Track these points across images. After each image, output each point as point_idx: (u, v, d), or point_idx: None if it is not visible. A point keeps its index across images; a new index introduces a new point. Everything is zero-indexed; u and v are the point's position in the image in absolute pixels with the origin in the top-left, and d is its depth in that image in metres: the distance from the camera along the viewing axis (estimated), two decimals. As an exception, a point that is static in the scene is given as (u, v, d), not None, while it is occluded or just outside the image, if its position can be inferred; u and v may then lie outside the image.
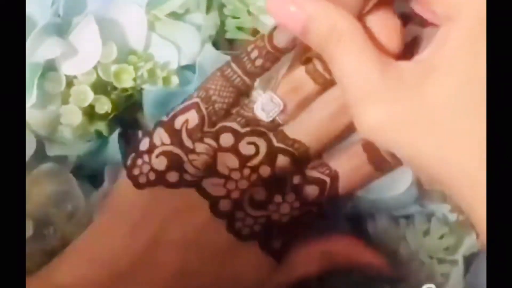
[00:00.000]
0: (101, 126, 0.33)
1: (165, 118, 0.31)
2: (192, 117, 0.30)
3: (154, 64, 0.33)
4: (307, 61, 0.30)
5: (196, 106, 0.30)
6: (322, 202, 0.30)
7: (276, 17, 0.27)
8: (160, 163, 0.29)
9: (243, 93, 0.31)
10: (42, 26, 0.31)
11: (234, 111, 0.31)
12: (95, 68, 0.32)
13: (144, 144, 0.30)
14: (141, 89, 0.33)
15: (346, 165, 0.30)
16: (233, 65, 0.31)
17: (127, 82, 0.32)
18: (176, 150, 0.30)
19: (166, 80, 0.33)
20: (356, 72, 0.25)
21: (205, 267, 0.28)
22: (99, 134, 0.33)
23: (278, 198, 0.29)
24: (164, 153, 0.30)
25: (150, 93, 0.32)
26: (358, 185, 0.31)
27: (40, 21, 0.32)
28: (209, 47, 0.33)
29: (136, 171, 0.30)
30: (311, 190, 0.30)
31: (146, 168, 0.30)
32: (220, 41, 0.34)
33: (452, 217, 0.32)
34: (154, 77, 0.33)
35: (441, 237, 0.31)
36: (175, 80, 0.33)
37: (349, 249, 0.30)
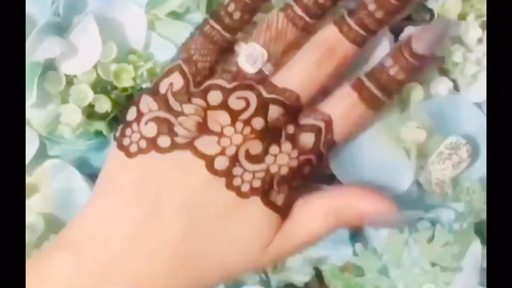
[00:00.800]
0: (101, 125, 0.33)
1: (149, 86, 0.30)
2: (176, 80, 0.30)
3: (154, 64, 0.33)
4: (285, 7, 0.30)
5: (178, 68, 0.30)
6: (320, 149, 0.29)
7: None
8: (150, 130, 0.29)
9: (224, 50, 0.30)
10: (42, 25, 0.31)
11: (218, 68, 0.30)
12: (95, 67, 0.32)
13: (131, 114, 0.30)
14: (141, 88, 0.33)
15: (338, 107, 0.30)
16: (212, 22, 0.30)
17: (127, 81, 0.32)
18: (165, 115, 0.29)
19: (166, 79, 0.33)
20: None
21: (209, 229, 0.28)
22: (99, 133, 0.33)
23: (274, 149, 0.29)
24: (152, 119, 0.29)
25: (150, 92, 0.32)
26: (353, 127, 0.30)
27: (40, 20, 0.32)
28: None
29: (126, 141, 0.29)
30: (307, 138, 0.29)
31: (136, 137, 0.29)
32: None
33: (456, 225, 0.32)
34: (154, 76, 0.32)
35: (445, 244, 0.31)
36: (175, 79, 0.33)
37: (356, 200, 0.29)
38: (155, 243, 0.28)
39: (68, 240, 0.29)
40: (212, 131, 0.29)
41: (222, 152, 0.28)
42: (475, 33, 0.31)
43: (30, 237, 0.31)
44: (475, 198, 0.32)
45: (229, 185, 0.28)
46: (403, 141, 0.32)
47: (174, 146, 0.29)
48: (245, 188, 0.28)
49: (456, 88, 0.33)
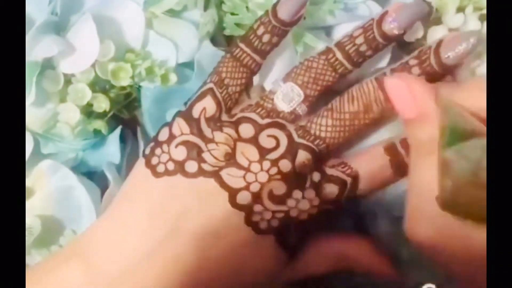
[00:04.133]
0: (100, 124, 0.33)
1: (183, 108, 0.31)
2: (209, 104, 0.30)
3: (152, 62, 0.33)
4: (327, 51, 0.30)
5: (211, 91, 0.30)
6: (341, 202, 0.30)
7: (391, 94, 0.28)
8: (179, 153, 0.29)
9: (254, 73, 0.31)
10: (40, 24, 0.31)
11: (254, 102, 0.31)
12: (93, 66, 0.32)
13: (163, 134, 0.30)
14: (139, 87, 0.33)
15: (368, 166, 0.30)
16: (241, 45, 0.31)
17: (125, 80, 0.32)
18: (195, 140, 0.29)
19: (164, 77, 0.33)
20: (427, 188, 0.26)
21: (221, 259, 0.28)
22: (97, 132, 0.33)
23: (297, 194, 0.29)
24: (183, 143, 0.29)
25: (148, 91, 0.32)
26: (376, 187, 0.30)
27: (38, 19, 0.31)
28: (207, 44, 0.33)
29: (154, 161, 0.29)
30: (331, 189, 0.29)
31: (164, 158, 0.29)
32: (218, 38, 0.34)
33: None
34: (152, 75, 0.32)
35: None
36: (173, 77, 0.33)
37: (365, 254, 0.30)
38: (168, 264, 0.28)
39: (81, 249, 0.29)
40: (240, 165, 0.29)
41: (246, 187, 0.28)
42: (473, 25, 0.31)
43: (27, 239, 0.31)
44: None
45: (248, 221, 0.28)
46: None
47: (200, 172, 0.29)
48: (263, 225, 0.28)
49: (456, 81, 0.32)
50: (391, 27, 0.29)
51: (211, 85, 0.31)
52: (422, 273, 0.31)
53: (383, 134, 0.31)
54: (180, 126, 0.30)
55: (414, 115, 0.27)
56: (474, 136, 0.26)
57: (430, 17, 0.31)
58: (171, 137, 0.30)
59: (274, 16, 0.30)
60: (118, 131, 0.33)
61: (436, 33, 0.32)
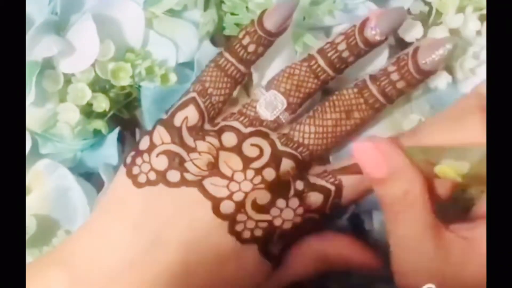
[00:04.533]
0: (99, 124, 0.33)
1: (164, 116, 0.31)
2: (191, 113, 0.30)
3: (152, 62, 0.33)
4: (309, 58, 0.30)
5: (193, 101, 0.30)
6: (325, 211, 0.29)
7: (359, 158, 0.28)
8: (161, 163, 0.29)
9: (239, 83, 0.31)
10: (40, 24, 0.31)
11: (236, 110, 0.30)
12: (92, 66, 0.32)
13: (144, 143, 0.30)
14: (139, 86, 0.33)
15: (350, 176, 0.30)
16: (226, 55, 0.31)
17: (124, 80, 0.32)
18: (177, 149, 0.29)
19: (164, 77, 0.33)
20: (413, 241, 0.27)
21: (204, 268, 0.28)
22: (97, 132, 0.33)
23: (281, 203, 0.29)
24: (164, 152, 0.29)
25: (148, 90, 0.32)
26: (361, 194, 0.30)
27: (38, 19, 0.31)
28: (207, 44, 0.33)
29: (135, 170, 0.29)
30: (315, 198, 0.29)
31: (146, 168, 0.29)
32: (218, 38, 0.34)
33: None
34: (152, 74, 0.32)
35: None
36: (173, 77, 0.33)
37: (345, 249, 0.30)
38: (150, 274, 0.28)
39: (65, 257, 0.29)
40: (223, 174, 0.29)
41: (230, 197, 0.28)
42: (473, 26, 0.31)
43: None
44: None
45: (231, 230, 0.28)
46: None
47: (183, 182, 0.29)
48: (246, 235, 0.28)
49: (454, 81, 0.33)
50: (373, 33, 0.29)
51: (194, 94, 0.30)
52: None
53: (380, 127, 0.32)
54: (161, 135, 0.30)
55: (385, 174, 0.27)
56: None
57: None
58: (152, 146, 0.30)
59: (260, 26, 0.30)
60: (116, 132, 0.33)
61: (436, 33, 0.32)
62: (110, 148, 0.33)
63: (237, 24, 0.33)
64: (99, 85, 0.33)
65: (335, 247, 0.30)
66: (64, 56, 0.32)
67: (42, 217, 0.32)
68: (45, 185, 0.32)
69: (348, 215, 0.32)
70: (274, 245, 0.29)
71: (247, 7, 0.33)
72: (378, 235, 0.32)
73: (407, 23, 0.31)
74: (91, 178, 0.33)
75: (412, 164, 0.27)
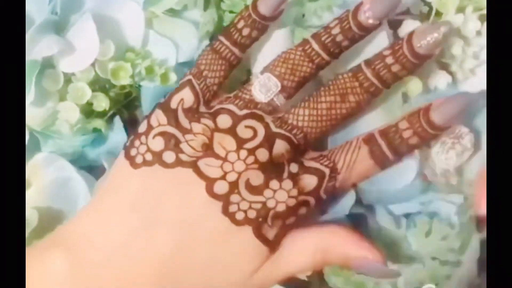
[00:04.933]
0: (99, 123, 0.33)
1: (162, 100, 0.31)
2: (186, 95, 0.30)
3: (152, 61, 0.33)
4: (304, 42, 0.31)
5: (189, 83, 0.31)
6: (320, 194, 0.29)
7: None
8: (157, 144, 0.29)
9: (233, 66, 0.31)
10: (40, 23, 0.31)
11: (232, 94, 0.31)
12: (92, 65, 0.32)
13: (142, 126, 0.30)
14: (139, 86, 0.33)
15: (347, 157, 0.30)
16: (222, 38, 0.31)
17: (124, 79, 0.32)
18: (173, 130, 0.29)
19: (164, 77, 0.33)
20: None
21: (198, 249, 0.28)
22: (97, 131, 0.33)
23: (274, 184, 0.29)
24: (160, 134, 0.30)
25: (148, 90, 0.32)
26: (356, 179, 0.30)
27: (38, 18, 0.32)
28: (207, 43, 0.33)
29: (133, 152, 0.30)
30: (309, 180, 0.29)
31: (143, 149, 0.29)
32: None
33: (456, 218, 0.32)
34: (152, 74, 0.33)
35: (444, 238, 0.31)
36: (173, 77, 0.33)
37: (344, 242, 0.29)
38: (146, 253, 0.28)
39: (64, 238, 0.29)
40: (217, 154, 0.29)
41: (223, 177, 0.28)
42: (473, 26, 0.31)
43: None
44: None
45: (225, 211, 0.28)
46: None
47: (178, 162, 0.29)
48: (240, 216, 0.28)
49: (454, 81, 0.32)
50: (366, 16, 0.30)
51: (189, 76, 0.31)
52: (422, 269, 0.31)
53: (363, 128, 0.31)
54: (158, 117, 0.30)
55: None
56: None
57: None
58: (149, 128, 0.30)
59: (254, 10, 0.31)
60: (118, 120, 0.33)
61: (435, 33, 0.32)
62: (118, 135, 0.33)
63: (236, 22, 0.33)
64: (99, 85, 0.33)
65: (335, 239, 0.30)
66: (64, 56, 0.32)
67: (44, 209, 0.32)
68: (44, 178, 0.32)
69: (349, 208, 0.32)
70: (269, 228, 0.29)
71: (245, 5, 0.32)
72: (382, 231, 0.32)
73: (407, 23, 0.31)
74: (93, 171, 0.33)
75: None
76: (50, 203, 0.32)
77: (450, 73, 0.32)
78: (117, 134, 0.33)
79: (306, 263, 0.29)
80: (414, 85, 0.31)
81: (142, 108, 0.33)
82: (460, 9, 0.32)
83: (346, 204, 0.31)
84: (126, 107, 0.34)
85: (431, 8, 0.32)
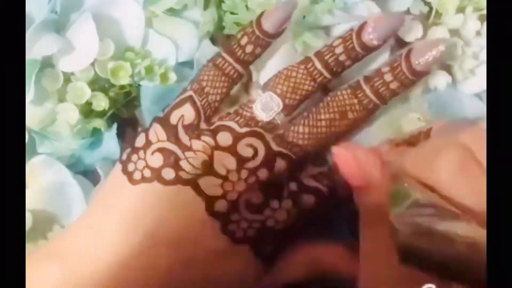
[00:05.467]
0: (99, 123, 0.33)
1: (161, 114, 0.31)
2: (187, 111, 0.30)
3: (152, 61, 0.33)
4: (306, 60, 0.30)
5: (190, 99, 0.30)
6: (319, 212, 0.30)
7: (341, 165, 0.29)
8: (156, 160, 0.29)
9: (235, 83, 0.31)
10: (39, 22, 0.31)
11: (232, 110, 0.31)
12: (92, 64, 0.32)
13: (140, 140, 0.30)
14: (139, 86, 0.33)
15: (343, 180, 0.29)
16: (224, 55, 0.31)
17: (124, 79, 0.32)
18: (172, 147, 0.29)
19: (163, 76, 0.33)
20: (381, 255, 0.27)
21: (196, 267, 0.28)
22: (96, 131, 0.33)
23: (274, 204, 0.29)
24: (159, 150, 0.29)
25: (148, 90, 0.32)
26: (355, 193, 0.30)
27: (37, 17, 0.31)
28: (207, 43, 0.33)
29: (131, 167, 0.29)
30: (309, 199, 0.29)
31: (141, 165, 0.29)
32: (218, 37, 0.34)
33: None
34: (152, 73, 0.32)
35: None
36: (172, 76, 0.33)
37: (338, 259, 0.30)
38: (142, 272, 0.28)
39: (58, 250, 0.29)
40: (217, 173, 0.29)
41: (223, 196, 0.28)
42: (473, 26, 0.31)
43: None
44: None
45: (224, 229, 0.28)
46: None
47: (177, 180, 0.29)
48: (239, 234, 0.28)
49: (454, 82, 0.33)
50: (370, 38, 0.30)
51: (190, 92, 0.30)
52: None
53: (379, 125, 0.32)
54: (157, 133, 0.30)
55: (361, 183, 0.28)
56: (416, 203, 0.26)
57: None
58: (148, 143, 0.30)
59: (259, 27, 0.30)
60: (114, 128, 0.33)
61: (435, 34, 0.32)
62: (110, 143, 0.33)
63: (237, 23, 0.33)
64: (98, 84, 0.33)
65: (329, 255, 0.30)
66: (63, 55, 0.32)
67: (38, 212, 0.32)
68: (41, 180, 0.32)
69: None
70: (266, 245, 0.29)
71: (246, 6, 0.32)
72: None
73: (406, 23, 0.31)
74: (88, 176, 0.33)
75: (388, 178, 0.27)
76: (44, 206, 0.32)
77: (450, 73, 0.32)
78: (112, 140, 0.33)
79: (300, 274, 0.30)
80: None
81: (141, 107, 0.33)
82: (460, 9, 0.32)
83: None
84: (125, 107, 0.34)
85: (431, 8, 0.32)
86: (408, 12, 0.32)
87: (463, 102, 0.32)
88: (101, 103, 0.32)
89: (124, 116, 0.34)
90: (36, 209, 0.32)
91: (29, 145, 0.32)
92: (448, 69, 0.32)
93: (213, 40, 0.33)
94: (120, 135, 0.33)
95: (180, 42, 0.33)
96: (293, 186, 0.29)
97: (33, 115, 0.32)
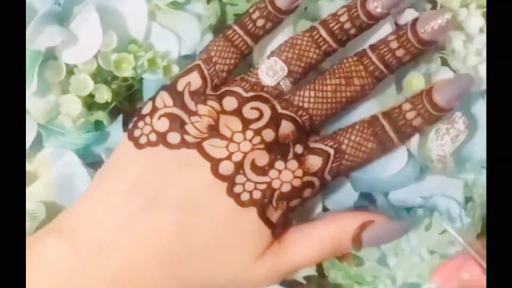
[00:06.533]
0: (102, 115, 0.33)
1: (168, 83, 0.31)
2: (194, 79, 0.30)
3: (155, 54, 0.33)
4: (311, 29, 0.31)
5: (198, 67, 0.31)
6: (325, 175, 0.30)
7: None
8: (162, 125, 0.29)
9: (245, 56, 0.31)
10: (43, 14, 0.31)
11: (238, 77, 0.31)
12: (95, 57, 0.32)
13: (146, 107, 0.30)
14: (142, 78, 0.33)
15: (351, 139, 0.30)
16: (235, 27, 0.31)
17: (127, 71, 0.32)
18: (178, 112, 0.30)
19: (166, 69, 0.33)
20: None
21: (202, 230, 0.28)
22: (99, 123, 0.33)
23: (280, 165, 0.29)
24: (166, 115, 0.30)
25: (150, 83, 0.32)
26: (361, 161, 0.30)
27: (41, 9, 0.31)
28: (210, 36, 0.33)
29: (137, 133, 0.30)
30: (314, 161, 0.29)
31: (147, 130, 0.29)
32: (221, 31, 0.34)
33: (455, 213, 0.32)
34: (155, 66, 0.32)
35: (443, 232, 0.31)
36: (175, 69, 0.33)
37: (350, 223, 0.29)
38: (147, 236, 0.28)
39: (63, 225, 0.29)
40: (222, 135, 0.29)
41: (229, 157, 0.28)
42: (477, 22, 0.31)
43: (31, 224, 0.31)
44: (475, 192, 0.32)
45: (230, 191, 0.28)
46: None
47: (183, 144, 0.29)
48: (245, 197, 0.28)
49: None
50: (375, 5, 0.30)
51: (198, 61, 0.31)
52: (421, 263, 0.31)
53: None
54: (164, 99, 0.30)
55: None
56: None
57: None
58: (154, 109, 0.30)
59: (271, 2, 0.31)
60: (120, 119, 0.33)
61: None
62: (116, 136, 0.33)
63: (237, 15, 0.33)
64: (101, 76, 0.33)
65: (340, 223, 0.29)
66: (66, 47, 0.32)
67: (50, 203, 0.32)
68: (51, 172, 0.32)
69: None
70: (273, 210, 0.29)
71: (248, -2, 0.33)
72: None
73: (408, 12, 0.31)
74: (95, 167, 0.33)
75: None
76: (54, 198, 0.32)
77: (453, 70, 0.32)
78: (118, 132, 0.33)
79: (314, 253, 0.29)
80: (416, 81, 0.31)
81: (143, 101, 0.33)
82: (464, 6, 0.32)
83: (349, 199, 0.31)
84: (128, 100, 0.34)
85: (435, 5, 0.32)
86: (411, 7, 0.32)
87: (465, 99, 0.32)
88: (104, 95, 0.32)
89: (126, 109, 0.34)
90: (47, 200, 0.32)
91: (38, 138, 0.32)
92: (451, 65, 0.32)
93: (216, 34, 0.33)
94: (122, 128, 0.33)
95: (183, 35, 0.33)
96: (298, 148, 0.29)
97: (37, 107, 0.32)
